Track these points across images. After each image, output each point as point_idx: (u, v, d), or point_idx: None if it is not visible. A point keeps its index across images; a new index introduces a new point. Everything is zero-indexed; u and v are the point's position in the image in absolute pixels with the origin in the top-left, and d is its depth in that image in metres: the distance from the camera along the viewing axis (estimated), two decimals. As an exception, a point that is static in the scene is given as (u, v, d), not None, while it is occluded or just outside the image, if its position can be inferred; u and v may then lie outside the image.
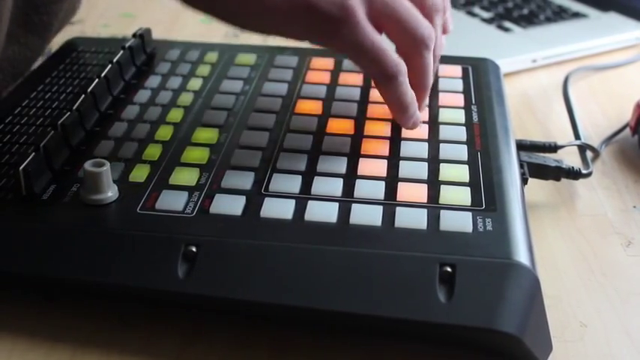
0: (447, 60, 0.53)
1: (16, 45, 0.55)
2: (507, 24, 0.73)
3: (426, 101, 0.46)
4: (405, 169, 0.42)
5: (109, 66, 0.50)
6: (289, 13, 0.40)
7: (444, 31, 0.48)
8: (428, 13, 0.44)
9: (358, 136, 0.45)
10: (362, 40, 0.40)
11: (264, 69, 0.53)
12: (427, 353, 0.36)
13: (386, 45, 0.41)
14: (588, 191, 0.49)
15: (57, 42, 0.60)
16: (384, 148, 0.44)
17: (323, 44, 0.42)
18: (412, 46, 0.43)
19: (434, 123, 0.46)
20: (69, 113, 0.44)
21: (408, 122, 0.44)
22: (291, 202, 0.38)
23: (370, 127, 0.46)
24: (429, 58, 0.43)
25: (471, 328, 0.33)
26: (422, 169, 0.41)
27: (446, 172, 0.41)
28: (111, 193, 0.39)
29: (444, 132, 0.45)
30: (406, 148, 0.43)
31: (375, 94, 0.49)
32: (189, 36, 0.71)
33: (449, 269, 0.34)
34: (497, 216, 0.38)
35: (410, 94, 0.43)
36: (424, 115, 0.47)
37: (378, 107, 0.48)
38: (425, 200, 0.39)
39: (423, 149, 0.43)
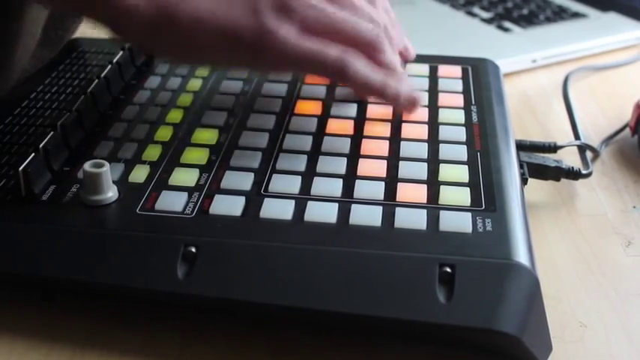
0: (446, 60, 0.53)
1: (32, 58, 0.56)
2: (507, 24, 0.73)
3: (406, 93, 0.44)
4: (404, 169, 0.42)
5: (109, 66, 0.50)
6: (215, 49, 0.41)
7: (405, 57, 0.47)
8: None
9: (358, 136, 0.45)
10: (291, 55, 0.40)
11: (264, 69, 0.53)
12: (427, 353, 0.36)
13: (320, 43, 0.41)
14: (588, 191, 0.49)
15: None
16: (383, 148, 0.43)
17: (259, 69, 0.44)
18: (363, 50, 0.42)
19: (433, 123, 0.46)
20: (68, 114, 0.44)
21: (397, 101, 0.44)
22: (291, 203, 0.38)
23: (370, 128, 0.46)
24: (386, 56, 0.43)
25: (470, 329, 0.33)
26: (421, 170, 0.41)
27: (445, 172, 0.41)
28: (110, 193, 0.39)
29: (444, 132, 0.45)
30: (406, 149, 0.43)
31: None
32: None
33: (448, 270, 0.34)
34: (496, 216, 0.38)
35: (375, 77, 0.42)
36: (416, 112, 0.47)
37: (378, 108, 0.48)
38: (424, 201, 0.39)
39: (422, 149, 0.43)
